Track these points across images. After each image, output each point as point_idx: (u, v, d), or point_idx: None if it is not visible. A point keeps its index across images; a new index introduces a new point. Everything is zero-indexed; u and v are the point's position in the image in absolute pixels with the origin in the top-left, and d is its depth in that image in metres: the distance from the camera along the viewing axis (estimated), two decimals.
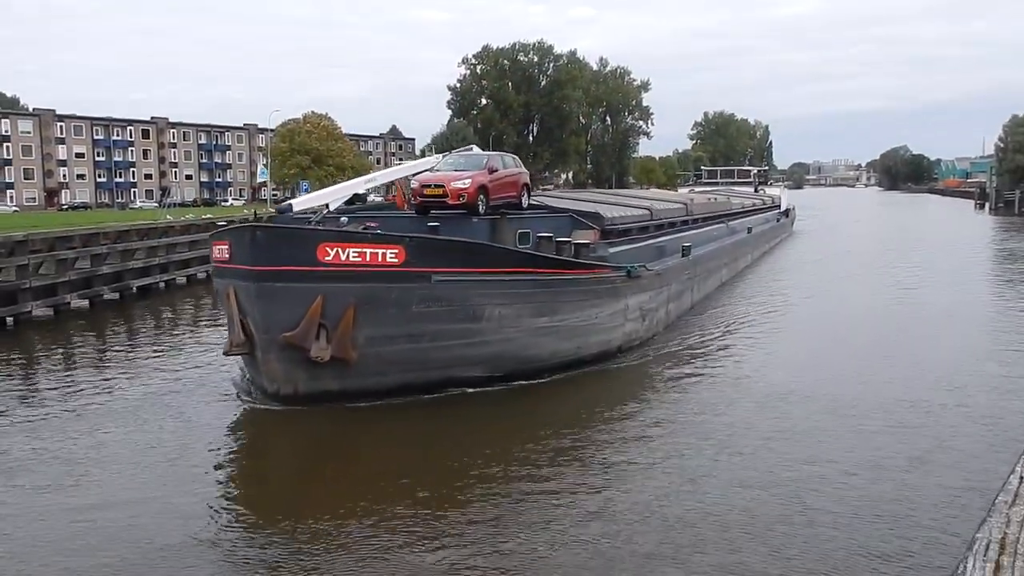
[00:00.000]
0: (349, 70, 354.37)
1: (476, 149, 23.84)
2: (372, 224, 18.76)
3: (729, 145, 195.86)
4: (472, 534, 11.04)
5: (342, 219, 18.98)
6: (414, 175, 20.86)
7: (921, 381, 18.73)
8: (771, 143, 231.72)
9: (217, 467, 14.02)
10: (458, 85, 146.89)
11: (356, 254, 16.28)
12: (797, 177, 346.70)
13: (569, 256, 19.60)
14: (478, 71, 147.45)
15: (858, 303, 31.28)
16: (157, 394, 18.26)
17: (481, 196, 19.59)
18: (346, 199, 19.50)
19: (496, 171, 20.23)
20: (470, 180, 19.42)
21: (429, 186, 19.62)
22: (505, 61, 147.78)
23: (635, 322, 22.21)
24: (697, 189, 59.57)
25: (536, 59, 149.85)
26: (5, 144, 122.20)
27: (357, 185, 20.34)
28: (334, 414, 16.61)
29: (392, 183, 23.55)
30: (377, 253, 16.41)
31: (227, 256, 16.85)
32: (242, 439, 15.74)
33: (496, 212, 20.52)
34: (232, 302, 16.86)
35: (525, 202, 21.76)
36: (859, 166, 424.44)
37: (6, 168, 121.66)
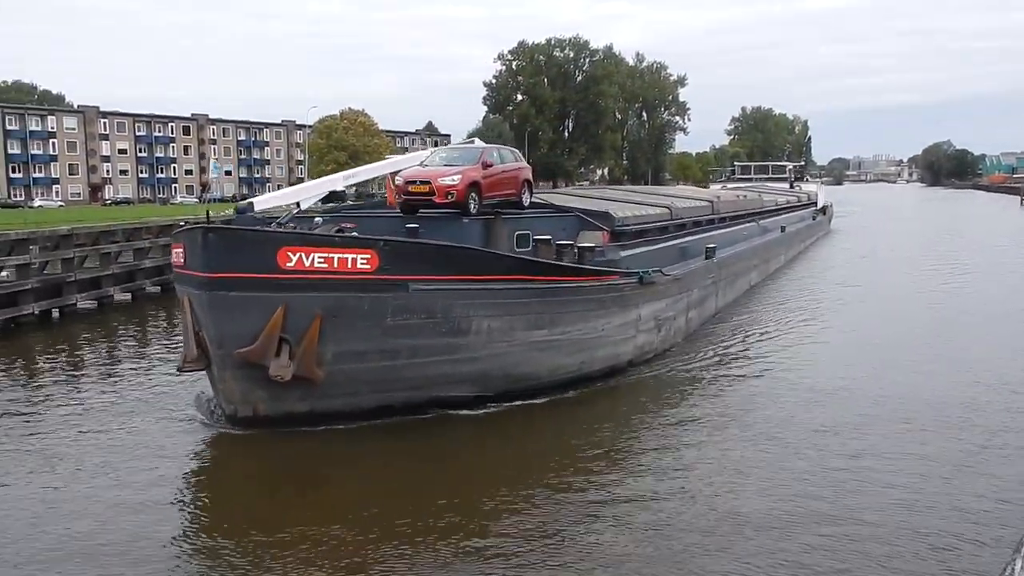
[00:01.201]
0: (385, 66, 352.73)
1: (478, 142, 21.55)
2: (348, 225, 16.60)
3: (767, 140, 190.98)
4: None
5: (316, 219, 16.86)
6: (401, 171, 18.53)
7: (970, 380, 17.93)
8: (810, 138, 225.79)
9: (150, 505, 11.92)
10: (494, 81, 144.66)
11: (322, 259, 14.14)
12: (836, 173, 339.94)
13: (571, 261, 17.29)
14: (514, 67, 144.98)
15: (902, 307, 28.56)
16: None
17: (472, 194, 17.29)
18: (321, 197, 17.29)
19: (491, 166, 17.91)
20: (459, 176, 17.13)
21: (414, 183, 17.35)
22: (541, 57, 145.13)
23: (649, 333, 19.81)
24: (730, 186, 56.58)
25: (572, 54, 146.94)
26: (51, 140, 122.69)
27: (334, 181, 18.10)
28: (300, 440, 14.52)
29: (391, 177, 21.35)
30: (346, 258, 14.25)
31: (182, 260, 14.79)
32: (189, 469, 13.61)
33: (490, 212, 18.20)
34: (187, 312, 14.81)
35: (526, 200, 19.42)
36: (900, 162, 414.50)
37: (52, 164, 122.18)
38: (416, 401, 15.41)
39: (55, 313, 28.03)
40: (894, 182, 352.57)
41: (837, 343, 22.67)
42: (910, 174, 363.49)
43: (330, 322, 14.27)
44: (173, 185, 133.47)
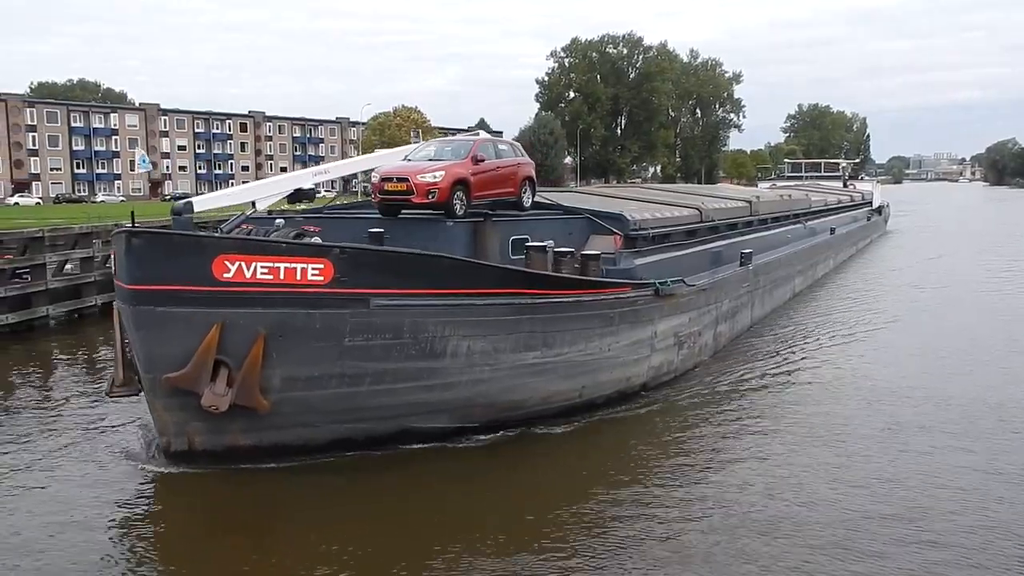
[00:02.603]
0: (438, 63, 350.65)
1: (484, 134, 19.05)
2: (312, 229, 14.26)
3: (824, 138, 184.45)
4: None
5: (277, 221, 14.56)
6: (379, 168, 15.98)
7: None
8: (868, 136, 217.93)
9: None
10: (546, 78, 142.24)
11: (265, 270, 11.83)
12: (896, 172, 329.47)
13: (570, 271, 14.72)
14: (566, 64, 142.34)
15: (963, 314, 25.40)
16: None
17: (459, 193, 14.76)
18: (284, 195, 14.92)
19: (483, 161, 15.34)
20: (442, 172, 14.61)
21: (390, 180, 14.88)
22: (594, 53, 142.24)
23: (667, 351, 17.15)
24: (779, 184, 53.04)
25: (625, 51, 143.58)
26: (113, 137, 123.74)
27: (301, 178, 15.71)
28: (246, 478, 12.25)
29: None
30: (294, 269, 11.91)
31: (114, 269, 12.60)
32: (109, 516, 11.37)
33: (481, 214, 15.64)
34: (117, 329, 12.65)
35: (527, 201, 16.80)
36: (962, 160, 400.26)
37: (114, 160, 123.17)
38: (383, 433, 13.08)
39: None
40: (956, 181, 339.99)
41: (889, 359, 19.72)
42: (972, 173, 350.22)
43: (276, 343, 11.98)
44: (230, 181, 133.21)
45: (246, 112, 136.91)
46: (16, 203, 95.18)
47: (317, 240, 13.28)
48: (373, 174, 15.25)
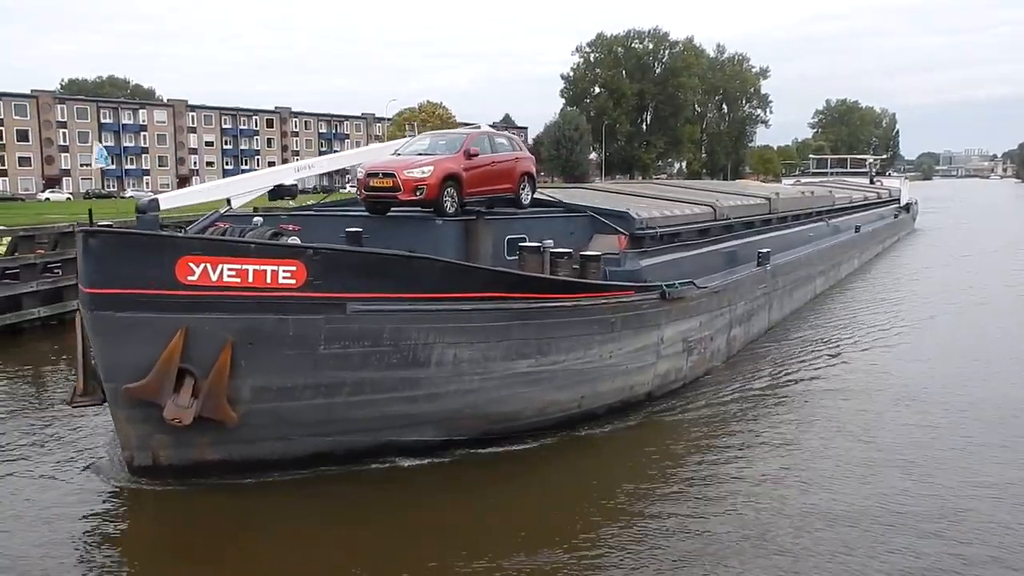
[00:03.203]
0: (463, 59, 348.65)
1: (486, 127, 17.98)
2: (291, 228, 13.32)
3: (852, 134, 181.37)
4: None
5: (255, 219, 13.62)
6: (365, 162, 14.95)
7: None
8: (898, 132, 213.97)
9: None
10: (571, 73, 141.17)
11: (233, 272, 10.90)
12: (925, 168, 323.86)
13: (568, 273, 13.67)
14: (591, 59, 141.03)
15: (995, 318, 24.01)
16: None
17: (449, 189, 13.73)
18: (262, 192, 13.95)
19: (476, 155, 14.30)
20: (431, 167, 13.59)
21: (376, 175, 13.88)
22: (619, 48, 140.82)
23: (675, 358, 16.06)
24: (804, 180, 51.44)
25: (651, 46, 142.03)
26: (142, 133, 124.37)
27: (283, 173, 14.68)
28: (214, 496, 11.37)
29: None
30: (264, 271, 10.97)
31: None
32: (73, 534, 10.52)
33: (473, 212, 14.63)
34: (78, 334, 11.80)
35: (526, 198, 15.74)
36: (994, 157, 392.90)
37: (143, 155, 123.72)
38: (364, 447, 12.16)
39: None
40: (987, 178, 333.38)
41: (916, 363, 18.48)
42: (1004, 169, 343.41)
43: (245, 351, 11.06)
44: None
45: (272, 108, 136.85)
46: (47, 198, 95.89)
47: (296, 240, 12.31)
48: (359, 170, 14.28)
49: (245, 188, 13.59)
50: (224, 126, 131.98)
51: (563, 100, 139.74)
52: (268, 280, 10.99)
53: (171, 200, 13.55)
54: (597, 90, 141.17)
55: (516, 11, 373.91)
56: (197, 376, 10.98)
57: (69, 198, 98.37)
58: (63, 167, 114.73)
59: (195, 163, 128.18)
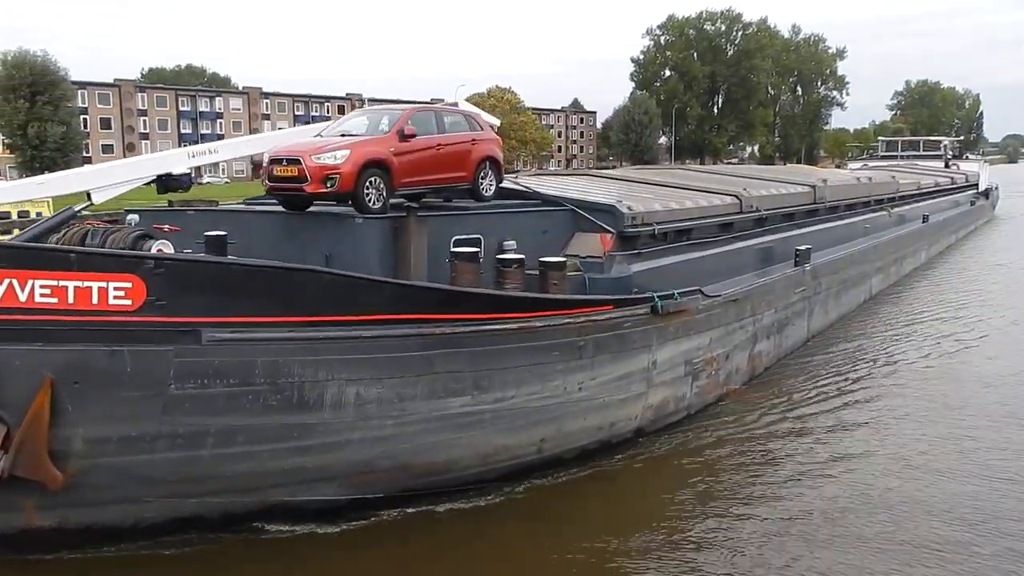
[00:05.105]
0: (533, 43, 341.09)
1: (465, 104, 14.83)
2: (167, 229, 10.44)
3: (933, 116, 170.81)
4: None
5: (130, 217, 10.82)
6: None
7: None
8: (981, 113, 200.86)
9: None
10: (641, 57, 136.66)
11: (48, 290, 8.16)
12: (1011, 150, 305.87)
13: (518, 285, 10.50)
14: (662, 42, 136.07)
15: None
16: None
17: (373, 179, 10.68)
18: (140, 182, 11.06)
19: (412, 136, 11.17)
20: (347, 151, 10.56)
21: (280, 162, 10.92)
22: (690, 31, 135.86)
23: (674, 385, 12.77)
24: (871, 164, 46.64)
25: (723, 28, 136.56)
26: (218, 120, 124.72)
27: (168, 160, 11.62)
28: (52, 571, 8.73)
29: None
30: (88, 289, 8.19)
31: None
32: None
33: (405, 207, 11.36)
34: None
35: (488, 189, 12.49)
36: None
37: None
38: (244, 510, 9.33)
39: None
40: None
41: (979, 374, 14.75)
42: None
43: (71, 392, 8.32)
44: None
45: (343, 95, 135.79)
46: None
47: (167, 245, 9.43)
48: (264, 156, 11.34)
49: (109, 179, 10.75)
50: (296, 112, 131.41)
51: (633, 84, 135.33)
52: (95, 301, 8.20)
53: (7, 192, 10.81)
54: (668, 73, 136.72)
55: None
56: (9, 424, 8.28)
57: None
58: (144, 154, 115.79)
59: None
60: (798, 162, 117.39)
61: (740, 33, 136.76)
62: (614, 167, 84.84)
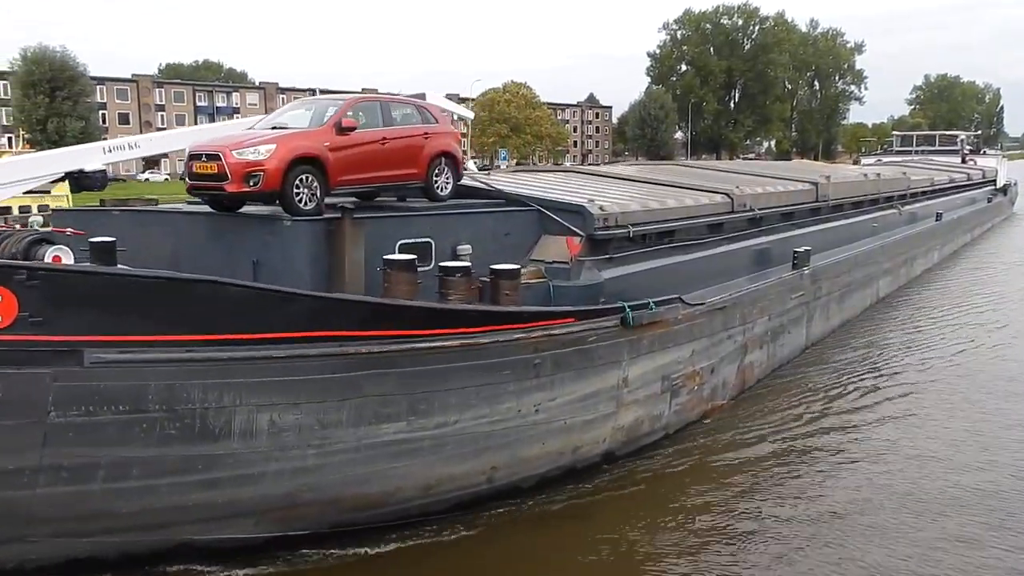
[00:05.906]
0: (549, 38, 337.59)
1: (440, 100, 13.62)
2: (69, 232, 9.29)
3: (953, 110, 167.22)
4: None
5: (33, 219, 9.70)
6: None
7: None
8: (1002, 107, 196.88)
9: None
10: (657, 51, 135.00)
11: None
12: None
13: (463, 296, 9.27)
14: (678, 36, 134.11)
15: None
16: None
17: (304, 176, 9.48)
18: (45, 180, 9.89)
19: (352, 129, 9.95)
20: (273, 146, 9.38)
21: (199, 158, 9.74)
22: (707, 25, 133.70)
23: (649, 403, 11.51)
24: (885, 160, 44.93)
25: (740, 22, 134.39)
26: (235, 115, 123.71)
27: (81, 155, 10.40)
28: None
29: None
30: None
31: None
32: None
33: (340, 208, 10.01)
34: None
35: (444, 187, 11.25)
36: None
37: None
38: (148, 550, 8.19)
39: None
40: None
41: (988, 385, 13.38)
42: None
43: None
44: None
45: (359, 90, 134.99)
46: (147, 179, 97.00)
47: (66, 252, 8.30)
48: (188, 150, 10.16)
49: (10, 175, 9.58)
50: None
51: (648, 78, 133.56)
52: None
53: None
54: (684, 68, 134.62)
55: None
56: None
57: (167, 179, 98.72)
58: None
59: None
60: (815, 157, 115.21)
61: (757, 27, 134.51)
62: (630, 161, 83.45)
